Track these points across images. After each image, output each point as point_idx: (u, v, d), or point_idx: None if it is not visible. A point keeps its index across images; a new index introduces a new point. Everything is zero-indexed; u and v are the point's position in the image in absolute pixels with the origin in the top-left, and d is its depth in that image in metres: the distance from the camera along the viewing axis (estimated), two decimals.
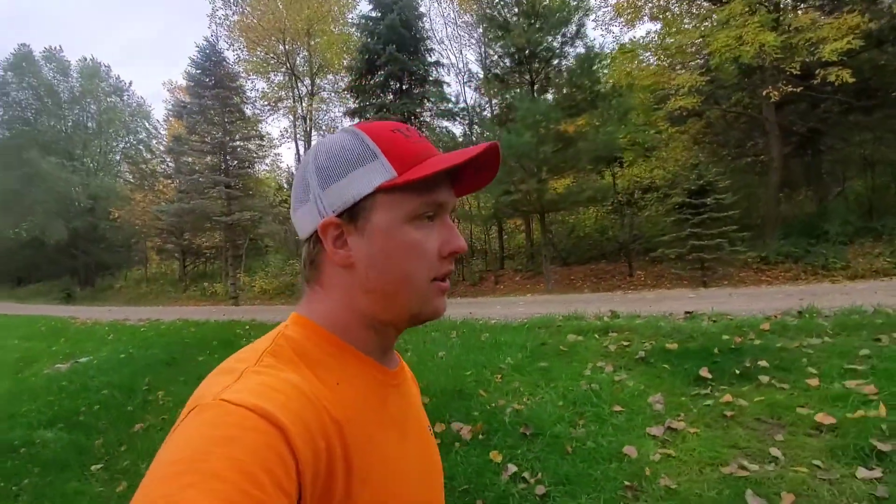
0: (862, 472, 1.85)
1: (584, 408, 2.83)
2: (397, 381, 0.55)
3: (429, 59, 13.13)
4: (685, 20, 11.53)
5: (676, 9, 11.45)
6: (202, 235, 20.70)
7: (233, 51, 19.72)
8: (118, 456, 3.38)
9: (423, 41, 12.94)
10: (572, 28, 10.83)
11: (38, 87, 29.10)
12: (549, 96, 11.82)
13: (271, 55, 19.31)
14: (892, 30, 9.54)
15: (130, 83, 37.94)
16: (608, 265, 13.17)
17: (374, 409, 0.49)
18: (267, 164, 24.78)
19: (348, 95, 14.77)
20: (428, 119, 13.20)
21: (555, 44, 11.05)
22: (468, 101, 13.89)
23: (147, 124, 30.75)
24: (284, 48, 18.73)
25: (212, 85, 16.93)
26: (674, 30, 11.04)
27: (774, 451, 2.11)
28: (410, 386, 0.61)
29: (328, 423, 0.42)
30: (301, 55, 19.86)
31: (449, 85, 13.88)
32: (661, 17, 11.42)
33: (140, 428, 3.80)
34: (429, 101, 12.05)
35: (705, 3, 11.27)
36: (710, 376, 2.98)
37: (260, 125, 21.72)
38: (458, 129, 13.19)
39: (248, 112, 19.23)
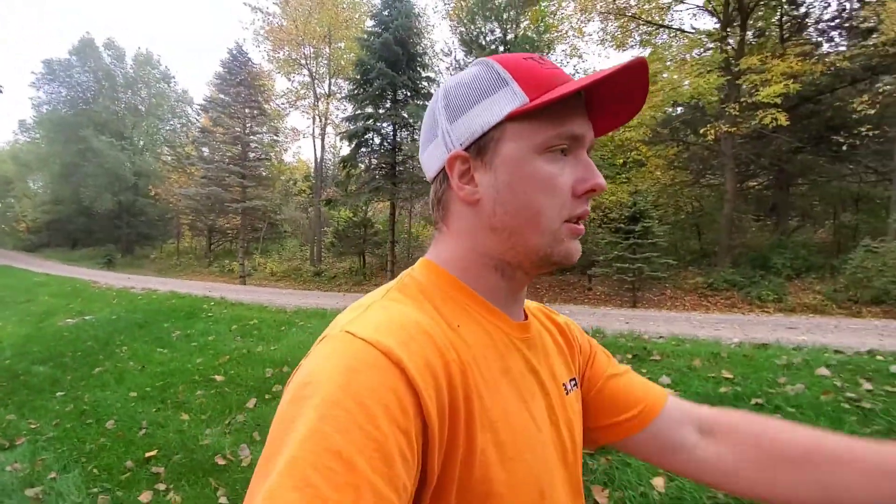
0: None
1: None
2: (524, 336, 0.51)
3: (421, 73, 14.34)
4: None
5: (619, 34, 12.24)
6: (223, 217, 22.83)
7: (259, 51, 21.56)
8: (77, 388, 4.89)
9: (417, 57, 14.15)
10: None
11: (98, 71, 32.13)
12: None
13: (294, 56, 21.05)
14: (830, 77, 10.04)
15: (175, 73, 40.73)
16: (574, 277, 14.12)
17: (495, 359, 0.46)
18: (292, 156, 26.73)
19: (346, 103, 16.22)
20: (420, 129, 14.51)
21: None
22: None
23: (190, 110, 33.30)
24: (305, 52, 20.40)
25: (236, 83, 18.77)
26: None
27: None
28: (545, 341, 0.56)
29: (451, 362, 0.41)
30: (321, 58, 21.50)
31: None
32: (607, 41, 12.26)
33: (99, 371, 5.32)
34: (418, 113, 13.24)
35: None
36: None
37: (283, 120, 23.66)
38: None
39: (269, 108, 21.02)
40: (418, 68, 14.27)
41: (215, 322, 6.86)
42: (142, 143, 33.03)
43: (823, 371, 3.16)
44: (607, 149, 14.62)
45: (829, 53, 10.82)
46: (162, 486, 2.77)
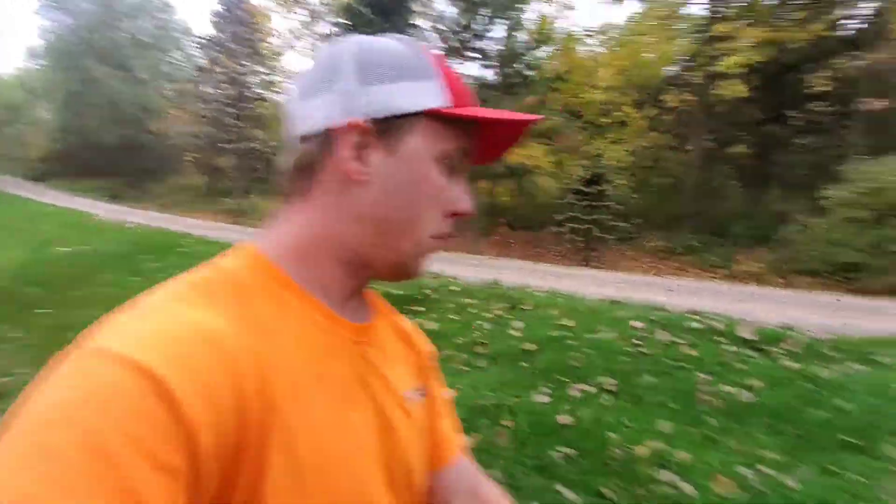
0: None
1: None
2: (361, 339, 0.46)
3: (408, 20, 14.35)
4: None
5: None
6: (222, 157, 23.36)
7: None
8: (58, 305, 5.77)
9: (405, 4, 14.12)
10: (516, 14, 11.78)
11: None
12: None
13: None
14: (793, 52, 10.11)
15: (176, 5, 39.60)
16: (550, 235, 14.68)
17: (311, 365, 0.40)
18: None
19: None
20: None
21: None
22: None
23: (191, 46, 32.89)
24: None
25: (232, 21, 18.71)
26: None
27: None
28: (389, 347, 0.52)
29: (244, 376, 0.35)
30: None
31: None
32: None
33: (80, 293, 6.19)
34: None
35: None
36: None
37: (279, 60, 23.57)
38: None
39: (264, 48, 20.97)
40: (406, 15, 14.26)
41: (188, 257, 7.68)
42: (146, 75, 32.99)
43: (637, 324, 3.87)
44: (592, 108, 14.78)
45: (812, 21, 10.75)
46: None
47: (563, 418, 2.69)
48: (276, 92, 23.33)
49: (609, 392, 3.02)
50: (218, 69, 19.56)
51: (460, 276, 6.43)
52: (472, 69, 17.42)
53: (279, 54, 23.48)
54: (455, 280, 6.05)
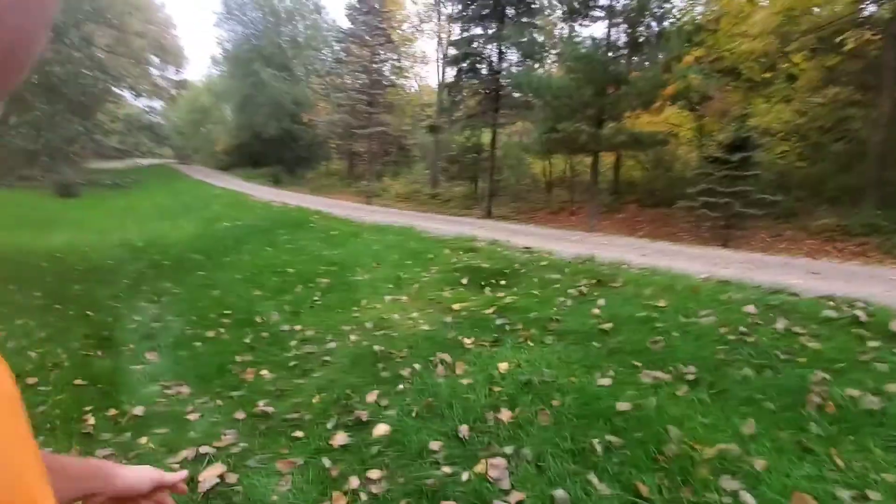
0: None
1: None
2: None
3: None
4: None
5: None
6: (359, 142, 25.39)
7: None
8: (209, 269, 6.89)
9: None
10: None
11: (265, 6, 36.29)
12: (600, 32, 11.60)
13: None
14: None
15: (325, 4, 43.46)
16: (684, 213, 13.04)
17: None
18: (421, 81, 27.81)
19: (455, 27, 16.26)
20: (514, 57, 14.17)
21: None
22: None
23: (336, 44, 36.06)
24: None
25: (364, 12, 19.96)
26: None
27: None
28: None
29: None
30: None
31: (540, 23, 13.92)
32: None
33: (226, 260, 7.31)
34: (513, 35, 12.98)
35: None
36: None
37: (410, 46, 24.55)
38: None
39: (396, 36, 21.98)
40: None
41: (312, 231, 8.56)
42: (301, 72, 37.20)
43: (749, 309, 3.22)
44: (748, 62, 12.57)
45: None
46: (222, 330, 4.24)
47: (622, 404, 2.38)
48: (406, 77, 24.45)
49: (686, 382, 2.58)
50: (353, 59, 21.14)
51: (557, 252, 6.08)
52: (599, 29, 16.08)
53: (410, 40, 24.47)
54: (549, 256, 5.74)
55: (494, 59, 14.41)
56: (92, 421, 2.83)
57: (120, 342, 4.21)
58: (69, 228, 11.52)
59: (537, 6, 14.14)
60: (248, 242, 8.24)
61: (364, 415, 2.58)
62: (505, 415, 2.40)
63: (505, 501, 1.89)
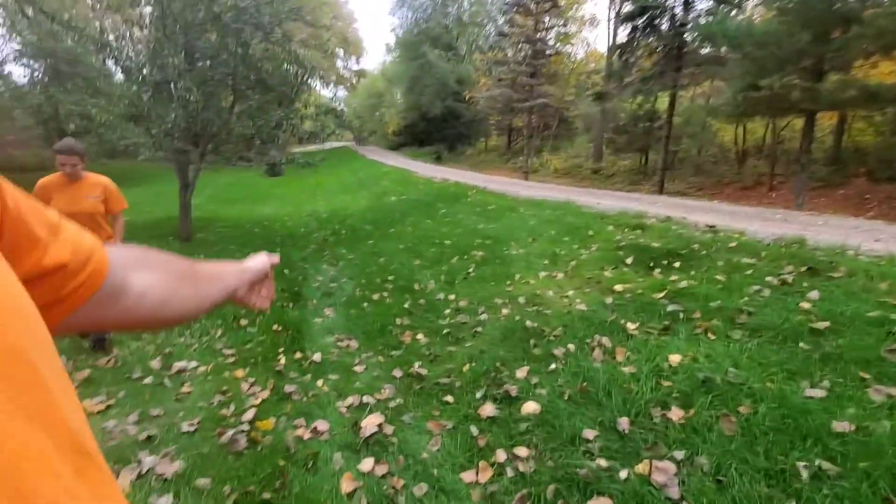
0: None
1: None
2: None
3: None
4: None
5: None
6: (518, 117, 25.05)
7: None
8: (377, 238, 7.55)
9: None
10: None
11: None
12: None
13: None
14: None
15: None
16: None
17: None
18: (582, 51, 26.11)
19: None
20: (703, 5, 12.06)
21: None
22: None
23: (500, 17, 35.79)
24: None
25: None
26: None
27: None
28: None
29: None
30: None
31: None
32: None
33: (391, 231, 7.92)
34: None
35: None
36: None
37: (579, 9, 23.02)
38: None
39: (563, 1, 20.81)
40: None
41: (469, 205, 8.74)
42: (464, 51, 38.13)
43: None
44: None
45: None
46: (385, 294, 4.58)
47: (840, 424, 1.85)
48: (572, 44, 23.14)
49: None
50: (516, 31, 20.73)
51: (751, 232, 5.11)
52: None
53: (578, 2, 23.01)
54: (740, 236, 4.85)
55: (679, 9, 12.61)
56: (283, 361, 3.31)
57: (306, 297, 4.87)
58: (274, 202, 13.85)
59: None
60: (410, 215, 8.80)
61: (513, 390, 2.50)
62: (676, 414, 2.07)
63: None
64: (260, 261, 0.72)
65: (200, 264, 0.60)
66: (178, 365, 3.13)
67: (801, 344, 2.51)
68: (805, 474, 1.66)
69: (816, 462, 1.71)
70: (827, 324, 2.62)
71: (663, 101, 18.95)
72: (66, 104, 6.89)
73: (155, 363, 3.16)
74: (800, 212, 8.40)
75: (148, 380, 2.96)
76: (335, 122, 9.47)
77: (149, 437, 2.38)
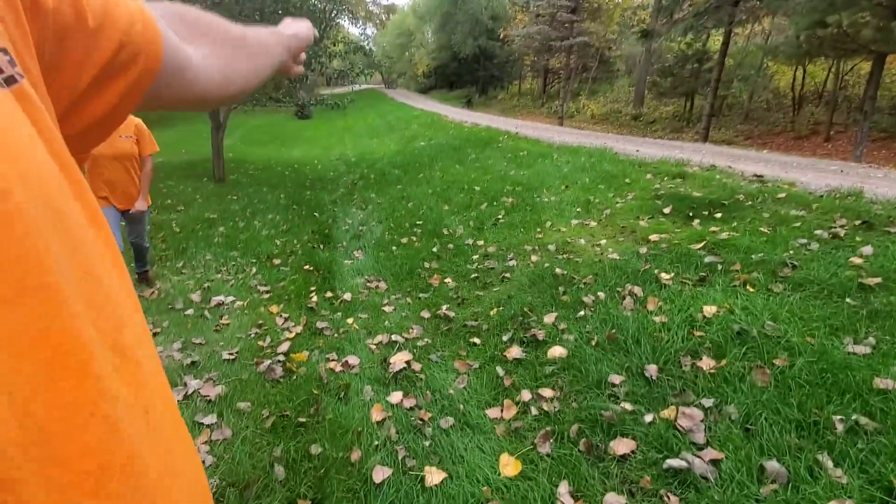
0: None
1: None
2: None
3: None
4: None
5: None
6: (555, 57, 23.68)
7: None
8: (405, 183, 7.48)
9: None
10: None
11: None
12: None
13: None
14: None
15: None
16: None
17: None
18: None
19: None
20: None
21: None
22: None
23: None
24: None
25: None
26: None
27: None
28: None
29: None
30: None
31: None
32: None
33: (420, 176, 7.83)
34: None
35: None
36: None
37: None
38: None
39: None
40: None
41: (499, 150, 8.50)
42: None
43: None
44: None
45: None
46: (414, 238, 4.59)
47: (884, 381, 1.78)
48: None
49: None
50: None
51: (803, 184, 4.81)
52: None
53: None
54: (790, 187, 4.58)
55: None
56: (315, 299, 3.41)
57: (336, 240, 4.94)
58: (304, 144, 13.83)
59: None
60: (439, 160, 8.65)
61: (540, 334, 2.50)
62: (706, 363, 2.04)
63: (697, 456, 1.63)
64: (306, 28, 0.68)
65: (248, 32, 0.55)
66: (216, 299, 3.27)
67: (847, 300, 2.40)
68: (840, 427, 1.63)
69: (854, 417, 1.67)
70: (878, 280, 2.48)
71: (716, 41, 17.49)
72: None
73: (195, 297, 3.31)
74: (858, 164, 7.83)
75: (189, 311, 3.11)
76: (364, 62, 9.19)
77: (192, 363, 2.53)
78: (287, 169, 9.35)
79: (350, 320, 3.03)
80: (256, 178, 8.35)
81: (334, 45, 8.52)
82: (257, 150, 12.52)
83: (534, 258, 3.58)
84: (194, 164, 9.29)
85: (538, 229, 4.25)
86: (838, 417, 1.66)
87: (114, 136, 3.12)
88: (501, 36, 29.04)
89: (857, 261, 2.73)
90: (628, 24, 25.31)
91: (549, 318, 2.66)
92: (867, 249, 2.84)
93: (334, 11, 8.43)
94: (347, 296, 3.42)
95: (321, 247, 4.67)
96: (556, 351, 2.36)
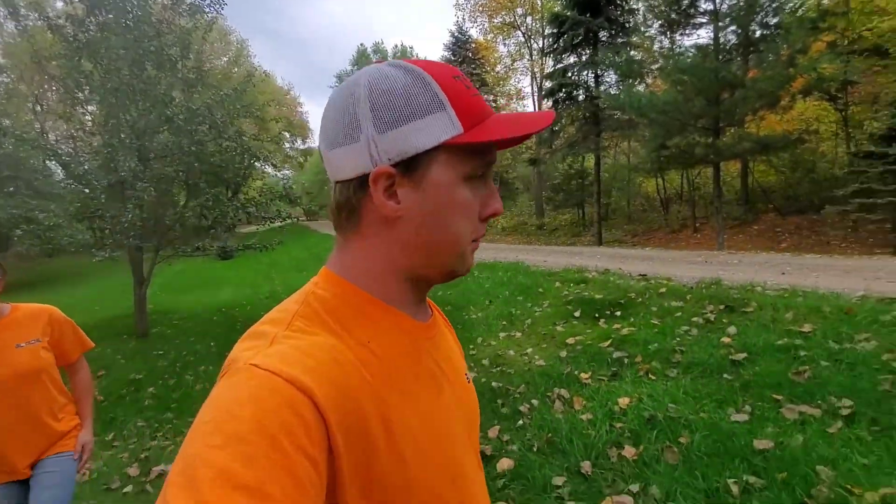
0: None
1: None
2: (431, 334, 0.55)
3: (625, 6, 13.55)
4: None
5: None
6: None
7: (476, 26, 23.48)
8: None
9: (614, 3, 13.43)
10: None
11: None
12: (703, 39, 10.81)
13: (508, 20, 22.17)
14: None
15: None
16: (836, 219, 11.35)
17: (408, 365, 0.49)
18: None
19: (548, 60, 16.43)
20: (611, 78, 13.87)
21: None
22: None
23: None
24: (518, 12, 21.26)
25: (458, 62, 21.21)
26: None
27: None
28: (445, 335, 0.60)
29: (362, 383, 0.42)
30: (535, 13, 21.97)
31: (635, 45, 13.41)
32: None
33: None
34: (605, 63, 12.84)
35: None
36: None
37: (505, 84, 25.32)
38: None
39: (490, 79, 22.91)
40: (615, 17, 13.52)
41: None
42: None
43: None
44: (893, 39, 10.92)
45: None
46: None
47: (762, 442, 2.22)
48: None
49: (841, 417, 2.31)
50: None
51: (677, 277, 5.73)
52: (702, 35, 15.13)
53: (504, 79, 25.36)
54: (668, 282, 5.45)
55: (592, 83, 14.28)
56: None
57: None
58: (230, 286, 13.66)
59: (631, 25, 13.86)
60: None
61: (488, 449, 2.72)
62: (629, 451, 2.37)
63: None
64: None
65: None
66: (156, 469, 3.12)
67: (724, 375, 2.94)
68: (735, 489, 1.99)
69: (745, 478, 2.05)
70: (744, 355, 3.07)
71: (591, 161, 20.83)
72: (5, 209, 6.79)
73: (132, 470, 3.13)
74: (720, 252, 9.37)
75: (128, 488, 2.93)
76: (285, 202, 9.76)
77: None
78: (215, 314, 9.14)
79: None
80: (183, 328, 8.07)
81: (260, 195, 9.04)
82: (181, 298, 12.12)
83: (472, 375, 3.87)
84: (112, 322, 8.80)
85: (471, 346, 4.60)
86: (732, 481, 2.03)
87: (6, 344, 1.63)
88: None
89: (727, 340, 3.36)
90: (518, 151, 29.31)
91: (492, 433, 2.90)
92: (732, 329, 3.51)
93: (255, 162, 9.12)
94: None
95: None
96: (505, 463, 2.57)
